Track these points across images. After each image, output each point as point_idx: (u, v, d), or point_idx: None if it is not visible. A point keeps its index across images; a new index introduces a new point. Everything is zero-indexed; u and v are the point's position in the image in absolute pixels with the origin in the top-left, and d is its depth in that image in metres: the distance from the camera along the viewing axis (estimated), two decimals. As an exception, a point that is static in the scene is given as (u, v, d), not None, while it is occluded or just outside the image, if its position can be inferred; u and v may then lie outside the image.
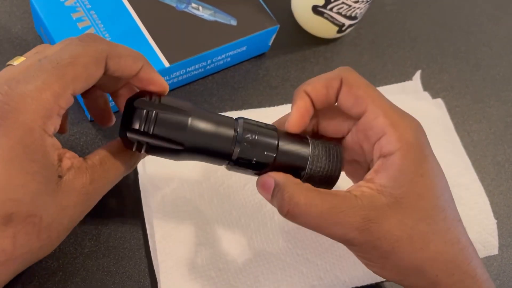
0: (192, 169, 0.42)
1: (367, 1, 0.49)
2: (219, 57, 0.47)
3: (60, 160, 0.30)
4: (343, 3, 0.49)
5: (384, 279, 0.41)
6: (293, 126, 0.34)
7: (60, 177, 0.29)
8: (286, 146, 0.34)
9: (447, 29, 0.59)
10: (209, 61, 0.47)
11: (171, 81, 0.46)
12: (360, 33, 0.56)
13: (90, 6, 0.44)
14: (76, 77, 0.29)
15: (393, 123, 0.32)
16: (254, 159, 0.33)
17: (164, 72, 0.44)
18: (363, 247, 0.32)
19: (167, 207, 0.40)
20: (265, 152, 0.33)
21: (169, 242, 0.39)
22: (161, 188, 0.41)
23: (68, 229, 0.31)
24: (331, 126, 0.36)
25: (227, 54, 0.47)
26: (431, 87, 0.54)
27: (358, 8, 0.49)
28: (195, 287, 0.38)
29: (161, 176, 0.41)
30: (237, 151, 0.33)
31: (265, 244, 0.41)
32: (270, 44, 0.51)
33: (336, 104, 0.35)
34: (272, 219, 0.42)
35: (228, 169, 0.34)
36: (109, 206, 0.41)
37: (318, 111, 0.36)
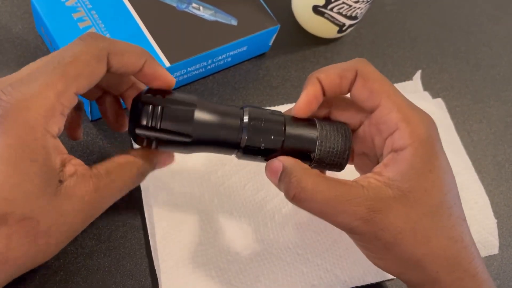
0: (192, 169, 0.42)
1: (368, 1, 0.49)
2: (220, 57, 0.47)
3: (63, 165, 0.29)
4: (343, 3, 0.49)
5: (384, 279, 0.41)
6: (300, 110, 0.34)
7: (60, 181, 0.28)
8: (294, 129, 0.34)
9: (447, 29, 0.59)
10: (209, 61, 0.47)
11: (171, 81, 0.46)
12: (361, 33, 0.56)
13: (91, 6, 0.44)
14: (78, 75, 0.29)
15: (406, 118, 0.33)
16: (263, 145, 0.33)
17: (164, 72, 0.44)
18: (366, 236, 0.32)
19: (168, 207, 0.41)
20: (273, 137, 0.33)
21: (169, 242, 0.39)
22: (162, 188, 0.41)
23: (68, 237, 0.30)
24: (344, 118, 0.36)
25: (227, 54, 0.48)
26: (431, 87, 0.54)
27: (358, 8, 0.50)
28: (196, 286, 0.38)
29: (162, 176, 0.41)
30: (244, 138, 0.33)
31: (266, 244, 0.41)
32: (270, 44, 0.51)
33: (349, 95, 0.35)
34: (272, 219, 0.42)
35: (239, 157, 0.34)
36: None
37: (332, 102, 0.36)
